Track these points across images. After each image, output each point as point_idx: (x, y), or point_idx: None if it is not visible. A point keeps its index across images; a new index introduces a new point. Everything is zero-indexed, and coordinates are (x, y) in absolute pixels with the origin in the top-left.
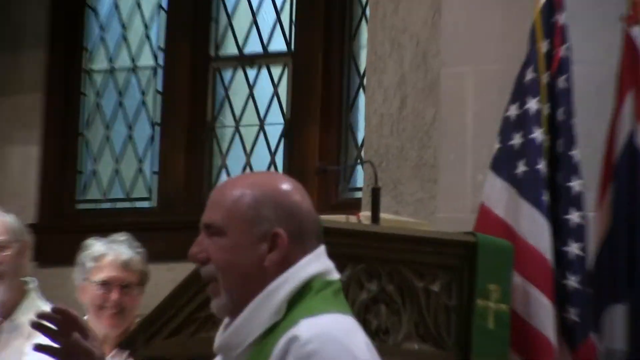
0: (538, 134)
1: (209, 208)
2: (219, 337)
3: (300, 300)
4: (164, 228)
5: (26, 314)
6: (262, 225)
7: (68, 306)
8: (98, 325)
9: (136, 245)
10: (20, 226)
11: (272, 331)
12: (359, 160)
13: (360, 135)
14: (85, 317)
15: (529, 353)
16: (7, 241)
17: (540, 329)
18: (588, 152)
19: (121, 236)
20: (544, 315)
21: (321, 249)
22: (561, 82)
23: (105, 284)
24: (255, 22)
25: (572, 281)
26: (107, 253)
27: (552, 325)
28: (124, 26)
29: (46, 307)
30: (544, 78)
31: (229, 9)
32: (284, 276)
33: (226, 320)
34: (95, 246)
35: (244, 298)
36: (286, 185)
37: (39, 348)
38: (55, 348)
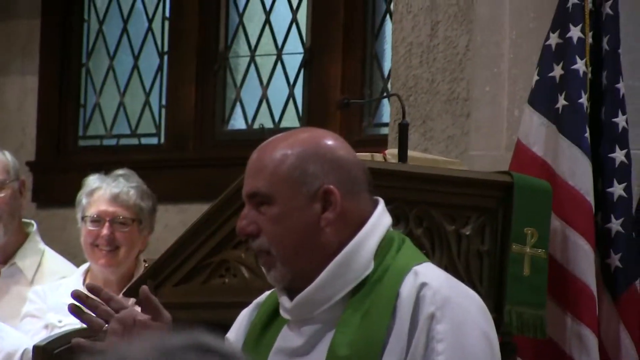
0: (580, 65)
1: (249, 177)
2: (286, 301)
3: (386, 251)
4: (173, 166)
5: (27, 259)
6: (311, 183)
7: (70, 254)
8: (94, 266)
9: (135, 180)
10: (16, 164)
11: (365, 284)
12: (385, 93)
13: (387, 66)
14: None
15: (567, 301)
16: (2, 181)
17: (579, 275)
18: (634, 85)
19: (121, 170)
20: (584, 261)
21: (381, 201)
22: (607, 8)
23: (96, 220)
24: None
25: (616, 224)
26: (100, 187)
27: (593, 272)
28: None
29: (48, 252)
30: (588, 4)
31: None
32: (365, 230)
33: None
34: (90, 181)
35: (305, 265)
36: (328, 139)
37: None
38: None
